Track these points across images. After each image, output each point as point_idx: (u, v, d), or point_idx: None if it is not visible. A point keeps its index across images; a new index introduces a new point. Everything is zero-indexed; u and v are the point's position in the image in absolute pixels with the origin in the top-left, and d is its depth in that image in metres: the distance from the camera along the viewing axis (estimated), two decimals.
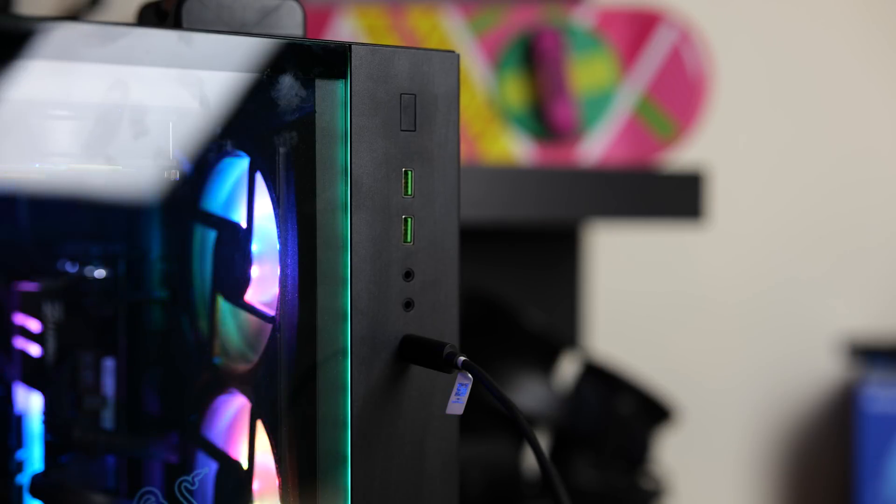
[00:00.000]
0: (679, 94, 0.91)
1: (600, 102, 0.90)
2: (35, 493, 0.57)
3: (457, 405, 0.50)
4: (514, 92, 0.89)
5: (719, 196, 1.07)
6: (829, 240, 1.20)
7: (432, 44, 0.89)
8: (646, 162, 0.91)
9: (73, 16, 0.87)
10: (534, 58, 0.89)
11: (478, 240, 0.79)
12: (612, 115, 0.91)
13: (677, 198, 0.90)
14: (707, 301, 1.16)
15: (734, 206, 1.14)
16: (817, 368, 1.19)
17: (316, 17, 0.88)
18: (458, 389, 0.50)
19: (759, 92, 1.18)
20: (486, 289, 0.93)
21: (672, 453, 1.09)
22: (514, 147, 0.89)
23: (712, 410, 1.16)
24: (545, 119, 0.89)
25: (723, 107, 1.04)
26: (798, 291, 1.19)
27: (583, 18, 0.91)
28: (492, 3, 0.93)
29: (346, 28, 0.88)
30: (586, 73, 0.90)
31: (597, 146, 0.90)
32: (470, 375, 0.50)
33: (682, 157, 0.98)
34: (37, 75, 0.46)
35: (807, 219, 1.20)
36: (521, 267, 1.05)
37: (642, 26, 0.91)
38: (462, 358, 0.50)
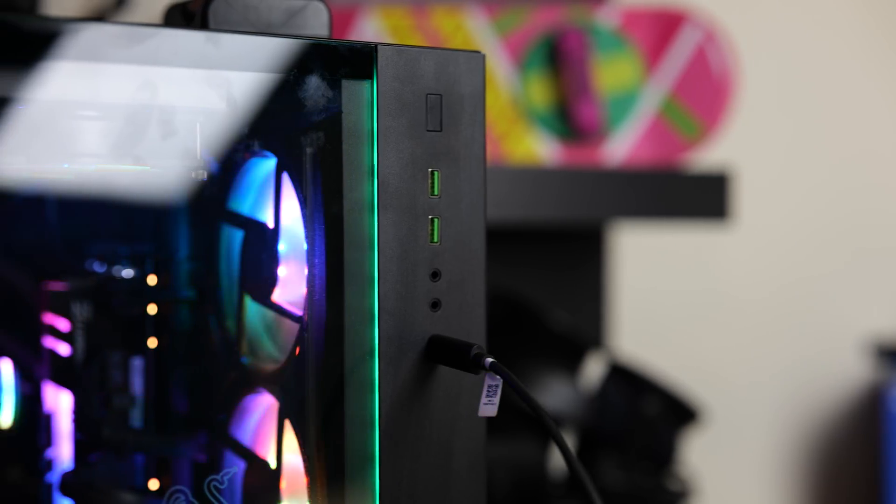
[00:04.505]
0: (704, 94, 0.90)
1: (625, 102, 0.90)
2: (65, 491, 0.57)
3: (489, 407, 0.50)
4: (539, 92, 0.89)
5: (745, 196, 1.07)
6: (856, 240, 1.20)
7: (456, 44, 0.89)
8: (671, 162, 0.91)
9: (100, 17, 0.88)
10: (558, 58, 0.89)
11: (502, 240, 0.79)
12: (636, 115, 0.90)
13: (703, 198, 0.90)
14: (733, 301, 1.16)
15: (760, 206, 1.13)
16: (843, 369, 1.19)
17: (340, 17, 0.88)
18: (489, 390, 0.50)
19: (784, 91, 1.17)
20: (511, 289, 0.93)
21: (698, 454, 1.09)
22: (538, 147, 0.89)
23: (738, 411, 1.15)
24: (570, 119, 0.89)
25: (748, 106, 1.04)
26: (824, 292, 1.19)
27: (607, 18, 0.91)
28: (516, 3, 0.93)
29: (370, 29, 0.88)
30: (611, 73, 0.90)
31: (621, 146, 0.90)
32: (497, 376, 0.50)
33: (707, 157, 0.98)
34: (65, 76, 0.46)
35: (833, 219, 1.19)
36: (545, 267, 1.05)
37: (667, 26, 0.91)
38: (489, 359, 0.50)
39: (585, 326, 1.04)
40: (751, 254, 1.16)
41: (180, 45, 0.48)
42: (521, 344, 0.87)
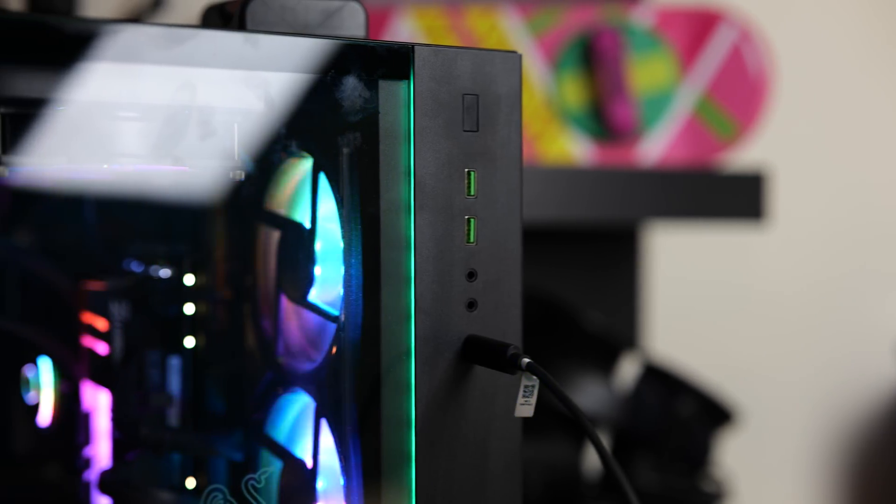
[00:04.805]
0: (740, 93, 0.90)
1: (659, 102, 0.90)
2: (103, 489, 0.58)
3: (526, 407, 0.50)
4: (573, 92, 0.89)
5: (780, 196, 1.06)
6: (891, 239, 1.19)
7: (490, 44, 0.89)
8: (705, 162, 0.91)
9: (136, 18, 0.88)
10: (593, 58, 0.89)
11: (536, 240, 0.79)
12: (671, 115, 0.90)
13: (738, 198, 0.89)
14: (768, 302, 1.15)
15: (794, 205, 1.13)
16: (879, 368, 1.18)
17: (374, 18, 0.88)
18: (525, 391, 0.50)
19: (820, 91, 1.16)
20: (545, 289, 0.93)
21: (732, 455, 1.08)
22: (572, 147, 0.89)
23: (772, 412, 1.15)
24: (604, 119, 0.88)
25: (784, 106, 1.03)
26: (860, 292, 1.18)
27: (642, 18, 0.91)
28: (550, 3, 0.93)
29: (404, 29, 0.89)
30: (645, 72, 0.90)
31: (656, 146, 0.90)
32: (534, 377, 0.50)
33: (742, 157, 0.97)
34: (105, 77, 0.47)
35: (868, 218, 1.18)
36: (579, 268, 1.04)
37: (702, 25, 0.91)
38: (526, 359, 0.49)
39: (619, 327, 1.03)
40: (785, 254, 1.15)
41: (219, 46, 0.48)
42: (555, 344, 0.87)
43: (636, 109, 0.89)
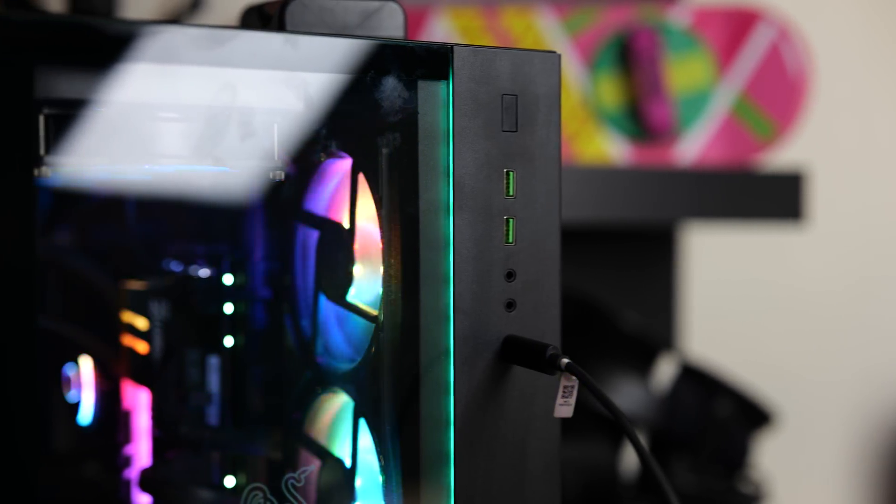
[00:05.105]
0: (778, 93, 0.89)
1: (697, 102, 0.90)
2: (144, 487, 0.58)
3: (565, 408, 0.50)
4: (609, 92, 0.89)
5: (818, 197, 1.06)
6: None
7: (526, 44, 0.89)
8: (743, 162, 0.90)
9: (175, 19, 0.89)
10: (629, 57, 0.88)
11: (573, 240, 0.79)
12: (708, 114, 0.90)
13: (776, 199, 0.89)
14: (806, 303, 1.14)
15: (833, 206, 1.12)
16: None
17: (410, 18, 0.88)
18: (564, 391, 0.50)
19: (859, 89, 1.15)
20: (582, 290, 0.92)
21: (770, 457, 1.07)
22: (609, 147, 0.89)
23: (812, 414, 1.14)
24: (641, 119, 0.88)
25: (822, 106, 1.03)
26: None
27: (679, 18, 0.90)
28: (586, 3, 0.93)
29: (440, 29, 0.89)
30: (683, 72, 0.90)
31: (693, 146, 0.90)
32: (573, 377, 0.49)
33: (780, 157, 0.96)
34: (146, 78, 0.47)
35: None
36: (616, 268, 1.04)
37: (740, 25, 0.90)
38: (565, 360, 0.49)
39: (656, 327, 1.03)
40: (823, 254, 1.14)
41: (259, 47, 0.48)
42: (592, 345, 0.87)
43: (673, 109, 0.88)
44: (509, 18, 0.89)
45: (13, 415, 0.44)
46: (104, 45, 0.45)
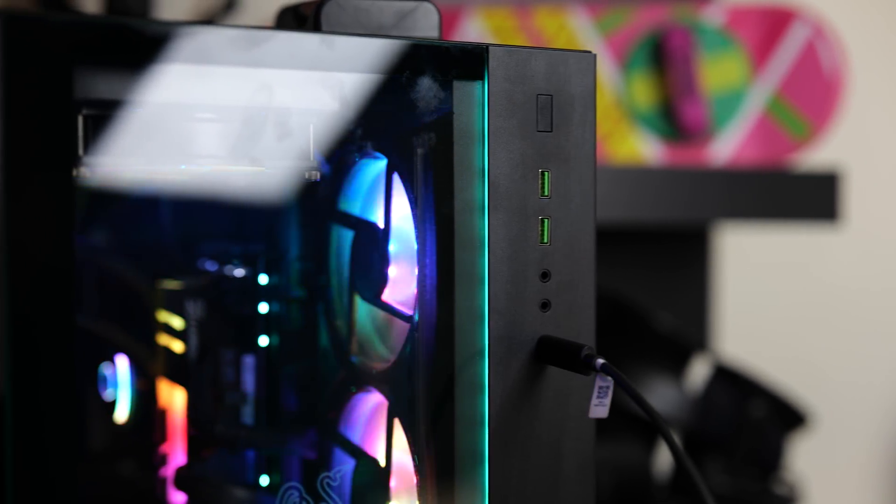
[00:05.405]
0: (813, 92, 0.89)
1: (731, 102, 0.89)
2: (179, 485, 0.58)
3: (600, 408, 0.50)
4: (642, 92, 0.89)
5: (854, 196, 1.05)
6: None
7: (559, 44, 0.89)
8: (778, 162, 0.90)
9: (209, 19, 0.89)
10: (663, 57, 0.88)
11: (605, 241, 0.79)
12: (743, 114, 0.89)
13: (811, 198, 0.88)
14: (840, 303, 1.14)
15: (869, 206, 1.11)
16: None
17: (443, 18, 0.88)
18: (599, 392, 0.50)
19: (894, 88, 1.14)
20: (615, 290, 0.92)
21: (804, 458, 1.07)
22: (642, 147, 0.89)
23: (845, 414, 1.13)
24: (675, 119, 0.88)
25: (858, 105, 1.02)
26: None
27: (713, 17, 0.90)
28: (619, 2, 0.93)
29: (473, 29, 0.89)
30: (716, 72, 0.89)
31: (727, 146, 0.89)
32: (608, 377, 0.49)
33: (815, 157, 0.96)
34: (183, 79, 0.47)
35: None
36: (649, 268, 1.04)
37: (775, 24, 0.90)
38: (601, 360, 0.49)
39: (689, 328, 1.02)
40: (858, 254, 1.14)
41: (296, 48, 0.48)
42: (625, 345, 0.86)
43: (707, 109, 0.88)
44: (542, 18, 0.89)
45: (52, 413, 0.44)
46: (143, 46, 0.46)
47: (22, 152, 0.43)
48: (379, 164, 0.55)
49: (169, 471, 0.59)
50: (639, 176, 0.85)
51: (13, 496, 0.43)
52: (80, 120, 0.48)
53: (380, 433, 0.56)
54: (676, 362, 0.87)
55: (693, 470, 0.45)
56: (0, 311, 0.43)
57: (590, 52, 0.53)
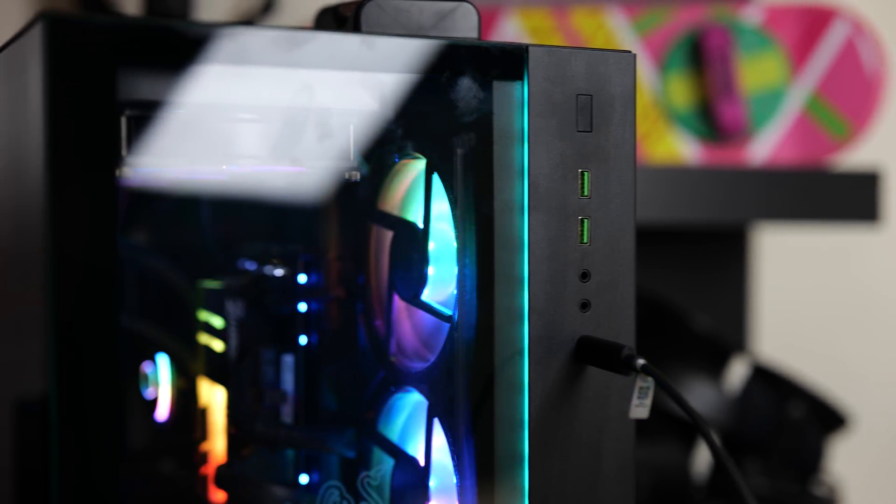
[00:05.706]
0: (853, 91, 0.88)
1: (769, 101, 0.89)
2: (220, 484, 0.59)
3: (641, 409, 0.50)
4: (680, 92, 0.88)
5: (894, 197, 1.04)
6: None
7: (597, 44, 0.88)
8: (817, 162, 0.89)
9: (248, 20, 0.90)
10: (701, 56, 0.88)
11: (643, 241, 0.78)
12: (781, 114, 0.89)
13: (851, 199, 0.88)
14: (880, 304, 1.13)
15: None
16: None
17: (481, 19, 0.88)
18: (640, 392, 0.50)
19: None
20: (653, 290, 0.92)
21: (842, 460, 1.06)
22: (680, 147, 0.88)
23: (886, 417, 1.12)
24: (713, 119, 0.87)
25: None
26: None
27: (751, 16, 0.89)
28: (657, 2, 0.92)
29: (510, 29, 0.89)
30: (755, 71, 0.89)
31: (765, 146, 0.89)
32: (649, 378, 0.49)
33: (855, 157, 0.95)
34: (225, 80, 0.48)
35: None
36: (686, 269, 1.03)
37: (814, 22, 0.89)
38: (641, 361, 0.49)
39: (727, 329, 1.02)
40: None
41: (336, 49, 0.48)
42: (664, 346, 0.86)
43: (745, 109, 0.87)
44: (579, 18, 0.89)
45: (95, 412, 0.44)
46: (185, 48, 0.46)
47: (66, 154, 0.43)
48: (419, 164, 0.55)
49: (209, 469, 0.59)
50: (677, 176, 0.85)
51: (58, 494, 0.43)
52: (123, 121, 0.49)
53: (419, 433, 0.56)
54: (715, 363, 0.87)
55: (734, 470, 0.45)
56: (44, 312, 0.43)
57: (629, 51, 0.53)
